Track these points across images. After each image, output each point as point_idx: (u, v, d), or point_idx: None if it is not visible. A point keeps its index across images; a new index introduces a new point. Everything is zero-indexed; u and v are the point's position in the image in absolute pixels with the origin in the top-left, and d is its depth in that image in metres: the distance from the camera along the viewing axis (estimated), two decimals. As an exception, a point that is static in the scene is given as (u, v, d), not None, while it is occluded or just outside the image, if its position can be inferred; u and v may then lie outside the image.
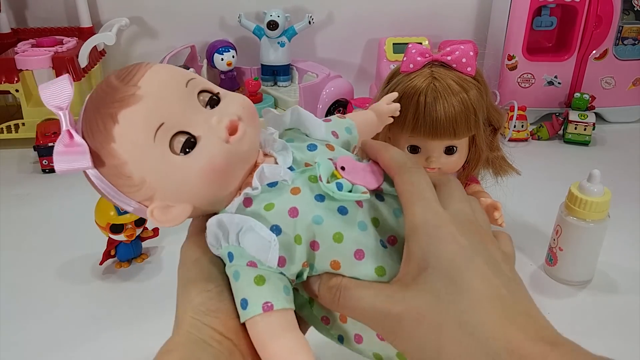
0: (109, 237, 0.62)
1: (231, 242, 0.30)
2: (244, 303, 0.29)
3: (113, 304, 0.59)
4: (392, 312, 0.27)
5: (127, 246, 0.63)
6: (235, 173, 0.31)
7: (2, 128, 0.95)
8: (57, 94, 0.30)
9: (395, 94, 0.48)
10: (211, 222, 0.30)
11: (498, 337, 0.24)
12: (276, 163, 0.32)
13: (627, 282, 0.62)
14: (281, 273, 0.30)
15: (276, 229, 0.29)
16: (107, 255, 0.63)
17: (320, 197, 0.30)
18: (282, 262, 0.29)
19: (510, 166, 0.60)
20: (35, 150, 0.86)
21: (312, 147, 0.33)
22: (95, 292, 0.61)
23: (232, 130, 0.29)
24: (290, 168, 0.32)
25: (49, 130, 0.88)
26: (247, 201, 0.31)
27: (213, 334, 0.29)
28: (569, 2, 0.97)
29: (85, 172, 0.30)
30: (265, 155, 0.33)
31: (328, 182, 0.30)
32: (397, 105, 0.45)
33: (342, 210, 0.30)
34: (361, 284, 0.29)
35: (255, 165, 0.32)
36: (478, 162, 0.56)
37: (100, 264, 0.63)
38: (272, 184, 0.31)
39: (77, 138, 0.29)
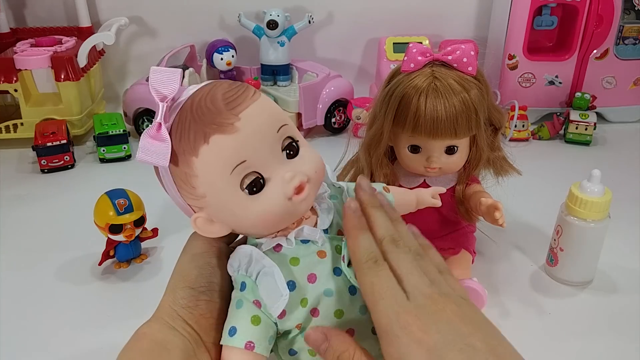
0: (108, 238, 0.62)
1: (249, 274, 0.33)
2: (232, 330, 0.32)
3: (112, 304, 0.59)
4: None
5: (126, 246, 0.63)
6: (283, 224, 0.34)
7: (0, 128, 0.94)
8: (165, 83, 0.31)
9: (442, 189, 0.49)
10: (243, 251, 0.34)
11: None
12: (316, 222, 0.35)
13: (628, 282, 0.62)
14: (275, 323, 0.33)
15: (291, 285, 0.32)
16: (106, 256, 0.63)
17: (339, 271, 0.34)
18: (282, 315, 0.32)
19: (511, 166, 0.60)
20: (34, 150, 0.86)
21: None
22: (95, 292, 0.60)
23: (299, 191, 0.32)
24: (325, 230, 0.35)
25: (48, 130, 0.87)
26: (279, 247, 0.34)
27: (184, 326, 0.33)
28: (570, 1, 0.97)
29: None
30: (312, 208, 0.35)
31: (349, 265, 0.33)
32: (439, 201, 0.47)
33: (352, 291, 0.34)
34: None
35: (301, 218, 0.35)
36: (479, 162, 0.56)
37: (100, 264, 0.63)
38: (305, 241, 0.34)
39: (165, 134, 0.31)
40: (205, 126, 0.31)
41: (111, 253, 0.63)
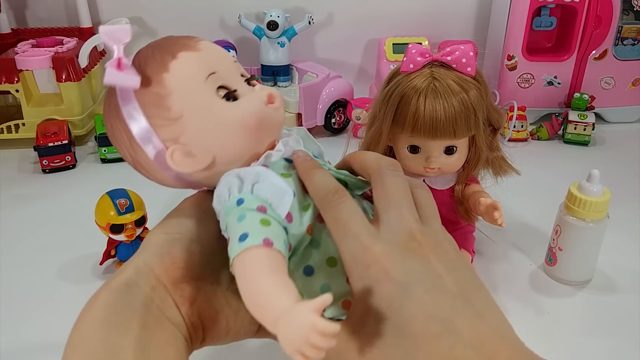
0: (109, 237, 0.62)
1: (244, 192, 0.30)
2: (243, 237, 0.28)
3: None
4: (352, 347, 0.26)
5: (127, 246, 0.63)
6: (263, 135, 0.33)
7: (2, 128, 0.95)
8: (117, 33, 0.31)
9: None
10: (229, 173, 0.31)
11: None
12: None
13: (626, 282, 0.62)
14: (285, 229, 0.29)
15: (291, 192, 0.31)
16: (107, 256, 0.63)
17: None
18: (289, 218, 0.30)
19: (510, 166, 0.60)
20: (35, 151, 0.86)
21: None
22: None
23: (270, 100, 0.33)
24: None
25: (49, 130, 0.88)
26: (265, 167, 0.32)
27: (149, 279, 0.29)
28: (569, 2, 0.97)
29: (114, 111, 0.32)
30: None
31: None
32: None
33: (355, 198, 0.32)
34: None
35: (272, 147, 0.33)
36: (478, 162, 0.57)
37: (101, 264, 0.63)
38: (290, 160, 0.33)
39: (127, 63, 0.31)
40: (171, 47, 0.32)
41: (112, 253, 0.63)
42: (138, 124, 0.31)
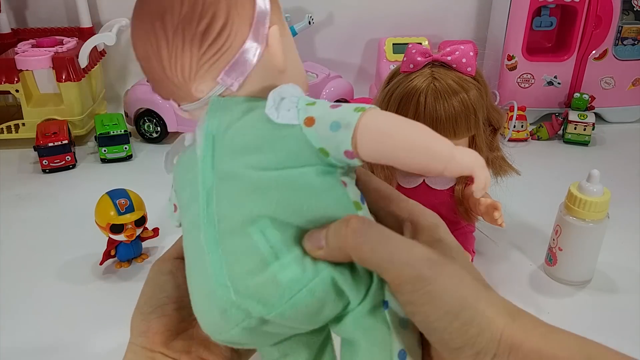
0: (109, 237, 0.62)
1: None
2: (358, 108, 0.27)
3: (113, 304, 0.59)
4: (424, 275, 0.26)
5: (127, 246, 0.63)
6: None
7: (2, 128, 0.95)
8: None
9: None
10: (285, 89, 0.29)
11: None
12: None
13: (626, 282, 0.62)
14: None
15: None
16: (107, 256, 0.63)
17: None
18: None
19: (510, 166, 0.60)
20: (35, 151, 0.86)
21: None
22: (95, 292, 0.61)
23: None
24: None
25: (49, 130, 0.88)
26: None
27: (146, 352, 0.34)
28: (569, 2, 0.97)
29: None
30: None
31: None
32: None
33: None
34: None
35: None
36: (478, 162, 0.56)
37: (101, 264, 0.63)
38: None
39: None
40: None
41: (112, 253, 0.64)
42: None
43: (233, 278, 0.27)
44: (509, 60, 1.03)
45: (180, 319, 0.35)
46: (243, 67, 0.30)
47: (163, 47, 0.29)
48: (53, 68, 0.92)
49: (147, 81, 0.33)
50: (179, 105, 0.32)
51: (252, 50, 0.29)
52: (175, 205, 0.34)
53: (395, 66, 0.58)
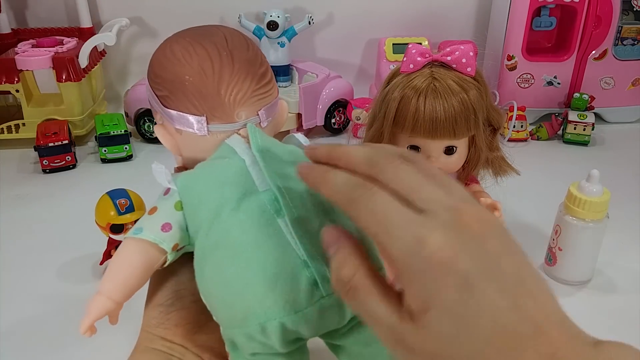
0: (109, 237, 0.62)
1: None
2: None
3: (113, 304, 0.59)
4: (405, 340, 0.24)
5: (127, 246, 0.63)
6: None
7: (2, 128, 0.95)
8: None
9: None
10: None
11: None
12: None
13: (626, 282, 0.62)
14: None
15: None
16: (107, 255, 0.63)
17: None
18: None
19: (509, 166, 0.60)
20: (35, 151, 0.86)
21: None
22: (96, 291, 0.61)
23: None
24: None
25: (50, 130, 0.88)
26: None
27: (163, 342, 0.33)
28: (569, 2, 0.97)
29: None
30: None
31: None
32: None
33: None
34: (372, 290, 0.25)
35: None
36: (478, 162, 0.57)
37: (101, 264, 0.63)
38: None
39: None
40: None
41: (112, 253, 0.64)
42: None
43: (323, 254, 0.30)
44: (508, 60, 1.03)
45: (199, 311, 0.34)
46: (274, 111, 0.37)
47: (227, 71, 0.35)
48: (53, 68, 0.92)
49: (184, 94, 0.35)
50: (207, 123, 0.35)
51: (279, 103, 0.39)
52: (169, 224, 0.33)
53: (395, 66, 0.58)
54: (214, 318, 0.33)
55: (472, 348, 0.22)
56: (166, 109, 0.35)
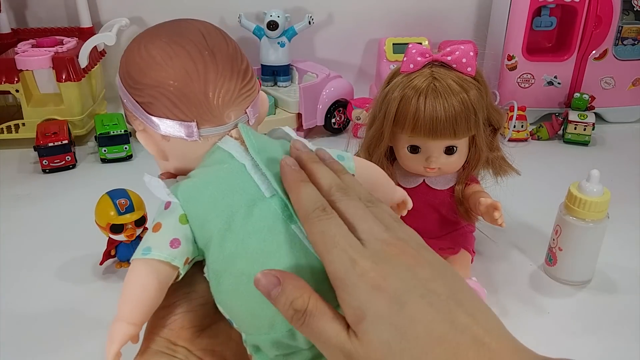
0: (109, 237, 0.62)
1: None
2: None
3: (113, 304, 0.59)
4: (352, 356, 0.26)
5: (127, 246, 0.63)
6: None
7: (2, 128, 0.95)
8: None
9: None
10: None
11: None
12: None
13: (626, 282, 0.62)
14: None
15: None
16: (107, 256, 0.63)
17: None
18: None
19: (510, 166, 0.60)
20: (35, 151, 0.86)
21: None
22: (96, 292, 0.61)
23: None
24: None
25: (49, 130, 0.88)
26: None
27: (168, 344, 0.33)
28: (569, 2, 0.97)
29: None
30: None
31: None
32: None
33: None
34: (326, 314, 0.27)
35: None
36: (478, 162, 0.57)
37: (101, 264, 0.63)
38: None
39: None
40: None
41: (112, 253, 0.64)
42: None
43: None
44: (509, 60, 1.03)
45: (205, 314, 0.34)
46: (257, 106, 0.36)
47: (211, 72, 0.33)
48: (53, 68, 0.92)
49: (169, 100, 0.33)
50: (198, 129, 0.33)
51: (260, 97, 0.37)
52: (177, 239, 0.32)
53: (395, 66, 0.58)
54: (235, 326, 0.32)
55: (412, 357, 0.24)
56: (150, 116, 0.33)
